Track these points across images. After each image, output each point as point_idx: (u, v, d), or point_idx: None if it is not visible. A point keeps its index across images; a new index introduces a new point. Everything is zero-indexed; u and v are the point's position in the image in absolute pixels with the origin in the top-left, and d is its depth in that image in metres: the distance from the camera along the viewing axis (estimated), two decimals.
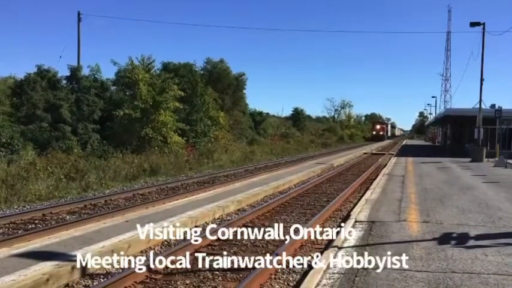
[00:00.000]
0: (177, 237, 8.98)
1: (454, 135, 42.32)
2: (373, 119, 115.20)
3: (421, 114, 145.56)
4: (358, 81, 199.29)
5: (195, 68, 38.82)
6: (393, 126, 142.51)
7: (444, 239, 7.76)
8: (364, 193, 14.04)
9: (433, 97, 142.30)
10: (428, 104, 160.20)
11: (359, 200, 12.82)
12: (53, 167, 16.85)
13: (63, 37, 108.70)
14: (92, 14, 71.78)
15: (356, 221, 9.26)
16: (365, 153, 40.48)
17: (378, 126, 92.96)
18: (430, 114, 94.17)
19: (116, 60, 29.51)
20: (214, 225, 9.74)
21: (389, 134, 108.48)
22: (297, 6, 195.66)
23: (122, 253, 7.42)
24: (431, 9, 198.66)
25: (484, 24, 29.00)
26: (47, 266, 6.26)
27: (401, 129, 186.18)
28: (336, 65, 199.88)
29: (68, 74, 30.07)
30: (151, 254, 7.83)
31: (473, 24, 28.76)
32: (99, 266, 6.87)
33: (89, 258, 6.74)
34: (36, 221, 10.26)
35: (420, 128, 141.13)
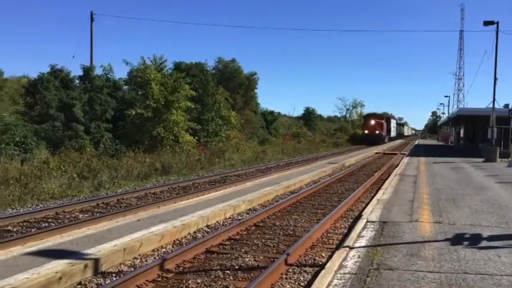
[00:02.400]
0: (188, 236, 9.03)
1: (467, 135, 41.96)
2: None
3: (433, 113, 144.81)
4: (370, 81, 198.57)
5: (207, 68, 38.93)
6: (400, 124, 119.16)
7: (457, 240, 7.70)
8: (376, 193, 13.97)
9: (446, 96, 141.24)
10: (441, 104, 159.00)
11: (371, 200, 12.77)
12: (66, 165, 17.01)
13: (76, 37, 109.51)
14: (104, 14, 72.22)
15: (368, 221, 9.22)
16: (377, 153, 40.28)
17: (373, 122, 62.28)
18: (443, 113, 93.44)
19: (128, 60, 29.76)
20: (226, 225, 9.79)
21: (393, 133, 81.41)
22: (309, 5, 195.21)
23: (133, 252, 7.48)
24: (444, 8, 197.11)
25: (497, 23, 28.73)
26: (59, 264, 6.31)
27: (414, 129, 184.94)
28: (347, 64, 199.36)
29: (81, 73, 30.32)
30: (162, 252, 7.88)
31: (486, 23, 28.48)
32: (111, 265, 6.92)
33: (101, 256, 6.79)
34: (50, 220, 10.36)
35: (433, 127, 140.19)
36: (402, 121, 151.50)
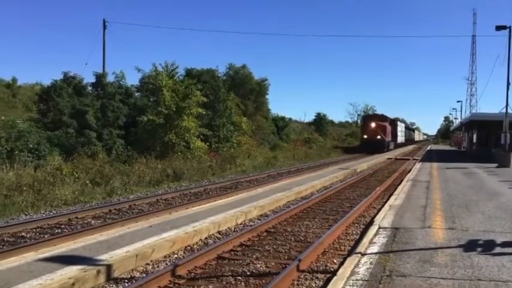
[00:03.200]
0: (200, 243, 9.05)
1: (480, 140, 41.56)
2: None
3: (446, 118, 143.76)
4: (381, 86, 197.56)
5: (218, 74, 39.08)
6: (410, 128, 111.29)
7: (470, 246, 7.63)
8: (388, 199, 13.89)
9: (458, 101, 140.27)
10: (453, 109, 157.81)
11: (383, 206, 12.69)
12: (79, 172, 17.14)
13: (89, 44, 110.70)
14: (117, 21, 72.89)
15: (380, 227, 9.17)
16: (389, 159, 40.07)
17: (373, 125, 51.92)
18: (456, 118, 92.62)
19: (140, 67, 30.04)
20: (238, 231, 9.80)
21: (401, 138, 71.72)
22: (320, 11, 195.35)
23: (145, 257, 7.51)
24: (456, 12, 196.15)
25: (510, 27, 28.48)
26: (72, 270, 6.35)
27: (426, 134, 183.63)
28: (359, 70, 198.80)
29: (94, 80, 30.61)
30: (174, 258, 7.90)
31: (499, 28, 28.26)
32: (123, 270, 6.95)
33: (113, 262, 6.83)
34: (62, 226, 10.44)
35: (445, 132, 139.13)
36: (414, 126, 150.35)
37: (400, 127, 72.67)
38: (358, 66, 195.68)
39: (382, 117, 55.48)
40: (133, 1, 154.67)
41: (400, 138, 70.99)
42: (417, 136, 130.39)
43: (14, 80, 44.92)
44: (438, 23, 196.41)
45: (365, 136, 51.57)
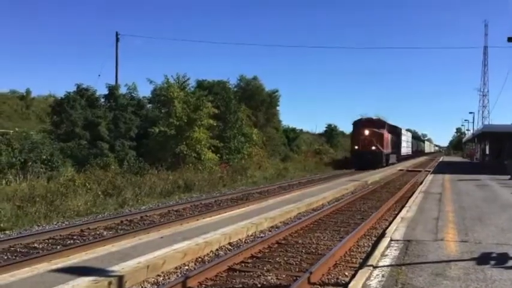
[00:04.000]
0: (211, 254, 9.05)
1: (493, 152, 41.20)
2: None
3: (458, 130, 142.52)
4: (392, 97, 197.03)
5: (229, 85, 39.22)
6: (418, 138, 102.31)
7: (483, 259, 7.55)
8: (400, 211, 13.79)
9: (470, 113, 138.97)
10: (465, 120, 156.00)
11: (394, 218, 12.61)
12: (91, 183, 17.25)
13: (102, 56, 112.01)
14: (129, 33, 73.64)
15: (391, 240, 9.11)
16: (400, 170, 39.83)
17: (367, 132, 40.96)
18: (468, 130, 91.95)
19: (152, 79, 30.17)
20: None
21: (406, 150, 61.66)
22: (329, 23, 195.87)
23: (157, 269, 7.52)
24: (468, 23, 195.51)
25: None
26: (84, 282, 6.39)
27: (437, 145, 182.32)
28: (370, 81, 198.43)
29: (106, 92, 30.89)
30: (185, 270, 7.91)
31: (510, 39, 28.10)
32: (135, 282, 6.97)
33: (125, 273, 6.86)
34: (75, 237, 10.50)
35: (457, 144, 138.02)
36: (426, 138, 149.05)
37: (406, 136, 62.59)
38: (370, 78, 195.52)
39: (379, 123, 43.40)
40: (146, 14, 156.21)
41: (406, 149, 62.12)
42: (427, 147, 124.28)
43: (28, 91, 45.45)
44: (450, 34, 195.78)
45: (356, 147, 40.33)
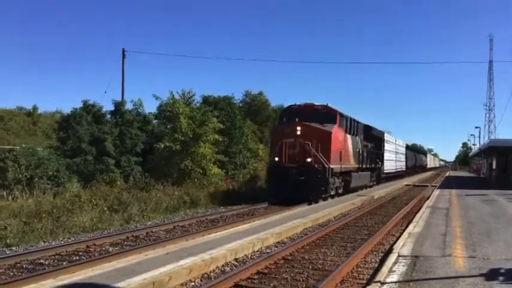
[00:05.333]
0: (217, 270, 9.00)
1: (500, 167, 40.98)
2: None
3: (464, 145, 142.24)
4: (398, 112, 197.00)
5: (234, 101, 39.40)
6: (417, 150, 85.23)
7: (492, 275, 7.47)
8: (407, 226, 13.70)
9: (476, 127, 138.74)
10: (471, 135, 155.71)
11: (401, 233, 12.52)
12: (97, 199, 17.27)
13: (108, 72, 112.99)
14: (136, 50, 74.34)
15: (399, 256, 9.04)
16: (406, 185, 39.64)
17: (298, 130, 20.56)
18: (474, 145, 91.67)
19: (158, 95, 30.37)
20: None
21: (393, 165, 43.28)
22: (335, 36, 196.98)
23: (162, 285, 7.48)
24: (473, 38, 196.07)
25: None
26: None
27: (444, 160, 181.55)
28: (375, 95, 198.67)
29: (112, 108, 31.12)
30: (191, 286, 7.87)
31: None
32: None
33: None
34: (80, 253, 10.49)
35: (464, 159, 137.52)
36: (432, 152, 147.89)
37: (393, 145, 43.40)
38: (375, 92, 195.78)
39: (323, 113, 22.59)
40: (153, 31, 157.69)
41: (394, 164, 43.65)
42: (430, 162, 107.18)
43: (35, 108, 45.91)
44: (455, 49, 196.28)
45: (276, 159, 20.99)
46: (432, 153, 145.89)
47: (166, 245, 10.54)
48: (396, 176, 45.51)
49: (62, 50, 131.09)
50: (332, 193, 22.26)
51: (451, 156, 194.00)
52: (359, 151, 27.26)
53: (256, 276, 8.41)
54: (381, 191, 29.92)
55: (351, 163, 25.31)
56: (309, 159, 20.37)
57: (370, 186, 31.57)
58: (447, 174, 79.57)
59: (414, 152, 70.37)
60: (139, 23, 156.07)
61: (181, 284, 7.91)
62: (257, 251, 10.88)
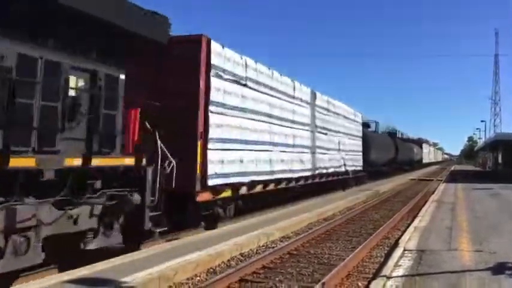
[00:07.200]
0: (222, 265, 9.01)
1: (506, 161, 40.85)
2: None
3: (470, 138, 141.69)
4: (403, 106, 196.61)
5: None
6: (408, 140, 64.57)
7: (498, 269, 7.44)
8: (413, 220, 13.68)
9: (482, 121, 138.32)
10: (477, 129, 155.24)
11: (407, 227, 12.51)
12: None
13: None
14: None
15: (405, 250, 9.03)
16: (412, 179, 39.58)
17: None
18: (480, 138, 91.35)
19: None
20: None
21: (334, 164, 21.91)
22: (346, 32, 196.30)
23: (168, 280, 7.50)
24: (479, 31, 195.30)
25: None
26: None
27: (449, 154, 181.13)
28: (382, 90, 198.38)
29: None
30: (197, 281, 7.88)
31: None
32: None
33: (136, 285, 6.84)
34: None
35: (469, 152, 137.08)
36: (437, 146, 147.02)
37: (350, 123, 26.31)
38: (382, 86, 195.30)
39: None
40: None
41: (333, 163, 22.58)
42: (429, 156, 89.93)
43: None
44: (463, 42, 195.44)
45: None
46: (437, 147, 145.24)
47: (172, 240, 10.56)
48: (360, 176, 28.36)
49: None
50: None
51: (456, 150, 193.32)
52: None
53: (261, 271, 8.41)
54: (385, 185, 29.76)
55: None
56: None
57: None
58: (452, 168, 79.40)
59: (393, 138, 46.47)
60: None
61: (187, 279, 7.91)
62: (262, 246, 10.87)
